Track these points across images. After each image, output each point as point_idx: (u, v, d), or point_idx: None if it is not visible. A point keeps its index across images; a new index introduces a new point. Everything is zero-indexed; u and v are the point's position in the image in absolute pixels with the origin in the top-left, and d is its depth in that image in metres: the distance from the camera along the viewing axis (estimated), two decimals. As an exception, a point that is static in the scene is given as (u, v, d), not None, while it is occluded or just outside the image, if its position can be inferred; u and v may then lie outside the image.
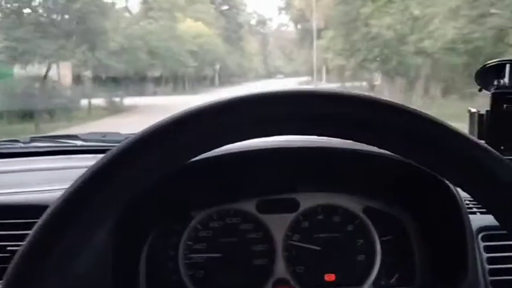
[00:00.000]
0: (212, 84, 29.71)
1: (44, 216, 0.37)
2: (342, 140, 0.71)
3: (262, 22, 42.11)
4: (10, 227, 0.87)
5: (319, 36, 29.98)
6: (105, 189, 0.37)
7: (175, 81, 23.92)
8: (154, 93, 24.29)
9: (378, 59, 15.00)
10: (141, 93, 24.53)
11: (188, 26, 22.72)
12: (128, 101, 16.02)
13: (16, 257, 0.36)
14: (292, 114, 0.39)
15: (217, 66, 27.66)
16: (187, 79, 25.25)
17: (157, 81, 24.14)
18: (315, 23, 26.36)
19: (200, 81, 28.70)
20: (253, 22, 40.08)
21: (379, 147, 0.40)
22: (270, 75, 38.45)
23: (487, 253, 0.87)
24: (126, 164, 0.38)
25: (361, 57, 16.68)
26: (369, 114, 0.39)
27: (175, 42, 19.41)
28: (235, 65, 31.79)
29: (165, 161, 0.39)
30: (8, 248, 0.85)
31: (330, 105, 0.39)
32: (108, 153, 0.38)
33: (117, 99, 15.30)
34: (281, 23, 45.31)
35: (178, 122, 0.39)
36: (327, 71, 28.50)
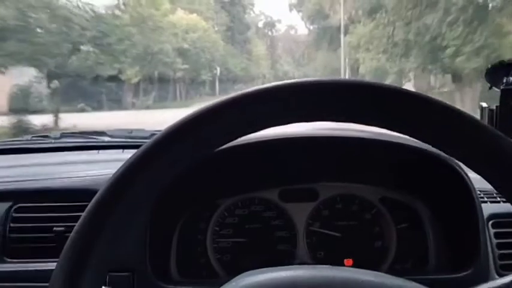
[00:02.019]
0: (212, 91, 22.25)
1: (95, 198, 0.42)
2: (359, 131, 0.91)
3: (270, 24, 38.70)
4: (54, 210, 0.94)
5: (337, 35, 22.22)
6: (149, 173, 0.42)
7: (161, 89, 16.50)
8: (133, 106, 16.55)
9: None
10: (114, 106, 16.46)
11: (179, 18, 15.51)
12: (77, 119, 10.67)
13: (72, 234, 0.42)
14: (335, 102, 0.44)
15: (218, 70, 20.34)
16: (179, 86, 17.84)
17: (136, 89, 16.46)
18: (342, 14, 19.10)
19: (197, 88, 21.25)
20: (260, 25, 37.00)
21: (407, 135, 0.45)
22: (278, 81, 32.87)
23: (496, 239, 0.93)
24: (165, 150, 0.42)
25: (450, 50, 9.28)
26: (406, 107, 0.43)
27: (153, 35, 12.28)
28: (239, 70, 27.39)
29: (201, 146, 0.44)
30: (54, 229, 0.91)
31: (352, 93, 0.43)
32: (149, 141, 0.43)
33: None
34: (290, 25, 42.54)
35: (213, 111, 0.43)
36: (353, 75, 21.07)
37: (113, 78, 15.11)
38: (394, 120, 0.44)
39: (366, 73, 19.07)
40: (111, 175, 0.43)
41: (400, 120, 0.44)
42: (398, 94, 0.43)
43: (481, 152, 0.43)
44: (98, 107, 16.72)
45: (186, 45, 17.86)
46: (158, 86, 18.34)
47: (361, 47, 19.39)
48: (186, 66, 17.60)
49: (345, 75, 22.56)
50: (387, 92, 0.43)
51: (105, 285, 0.52)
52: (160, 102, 18.04)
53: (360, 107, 0.44)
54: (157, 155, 0.43)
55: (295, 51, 38.44)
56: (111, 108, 16.82)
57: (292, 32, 40.38)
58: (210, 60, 20.41)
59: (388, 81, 15.89)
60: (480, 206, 0.89)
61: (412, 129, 0.44)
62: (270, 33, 38.46)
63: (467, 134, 0.43)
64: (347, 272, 0.49)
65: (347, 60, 24.68)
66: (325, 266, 0.50)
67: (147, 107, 16.46)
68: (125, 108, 16.76)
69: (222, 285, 0.49)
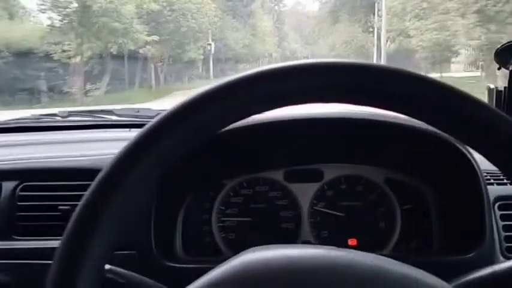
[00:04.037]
0: (206, 73, 15.49)
1: (100, 176, 0.42)
2: (365, 112, 0.90)
3: (276, -2, 34.24)
4: (60, 189, 0.96)
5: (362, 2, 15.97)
6: (154, 151, 0.42)
7: (127, 72, 9.51)
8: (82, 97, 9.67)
9: None
10: (60, 98, 7.89)
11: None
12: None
13: (76, 212, 0.41)
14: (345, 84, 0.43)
15: (212, 46, 13.42)
16: (155, 66, 10.91)
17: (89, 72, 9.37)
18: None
19: (182, 69, 14.58)
20: (266, -2, 32.08)
21: (408, 115, 0.45)
22: (285, 60, 27.54)
23: (503, 221, 0.93)
24: (170, 129, 0.42)
25: None
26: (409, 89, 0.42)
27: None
28: (242, 46, 21.40)
29: (206, 126, 0.43)
30: (60, 208, 0.93)
31: (364, 75, 0.43)
32: (154, 120, 0.42)
33: None
34: (298, 0, 39.16)
35: (221, 90, 0.42)
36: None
37: (48, 58, 9.08)
38: (394, 101, 0.43)
39: (419, 49, 12.50)
40: None
41: (400, 101, 0.43)
42: (396, 74, 0.42)
43: (484, 134, 0.42)
44: (32, 100, 10.62)
45: (156, 6, 11.43)
46: (122, 67, 12.02)
47: (408, 14, 12.94)
48: (155, 37, 11.21)
49: (381, 52, 16.08)
50: (385, 72, 0.42)
51: (109, 264, 0.56)
52: (123, 90, 11.71)
53: (361, 89, 0.43)
54: (162, 134, 0.42)
55: (304, 28, 34.71)
56: (51, 102, 10.80)
57: (300, 7, 37.47)
58: (196, 31, 13.91)
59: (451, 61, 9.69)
60: (486, 188, 0.90)
61: (412, 110, 0.44)
62: (276, 7, 34.38)
63: (469, 115, 0.42)
64: (350, 254, 0.48)
65: (377, 31, 18.19)
66: (328, 246, 0.50)
67: (96, 100, 10.11)
68: (74, 101, 10.58)
69: (233, 257, 0.49)
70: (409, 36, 13.24)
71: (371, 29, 22.77)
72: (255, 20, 25.70)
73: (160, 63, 13.67)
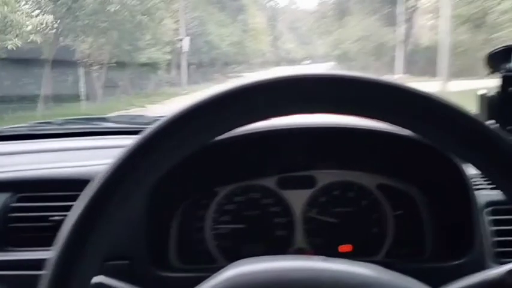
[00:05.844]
0: (178, 80, 8.81)
1: (92, 185, 0.41)
2: (358, 120, 0.82)
3: (270, -5, 32.06)
4: (52, 199, 0.96)
5: None
6: (148, 160, 0.42)
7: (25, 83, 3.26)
8: None
9: None
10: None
11: None
12: None
13: (67, 222, 0.41)
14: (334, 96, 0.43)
15: (185, 41, 7.07)
16: (84, 73, 4.81)
17: None
18: None
19: (149, 76, 8.02)
20: (259, -5, 29.76)
21: (395, 125, 0.45)
22: (279, 61, 27.80)
23: (493, 226, 0.94)
24: (167, 137, 0.42)
25: None
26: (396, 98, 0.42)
27: None
28: (229, 44, 17.08)
29: (203, 134, 0.43)
30: (50, 218, 0.92)
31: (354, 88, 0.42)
32: (151, 128, 0.42)
33: None
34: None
35: (217, 100, 0.42)
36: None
37: None
38: (386, 113, 0.43)
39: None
40: None
41: (392, 113, 0.42)
42: (388, 88, 0.41)
43: (476, 148, 0.41)
44: None
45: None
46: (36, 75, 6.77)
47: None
48: (46, 18, 5.72)
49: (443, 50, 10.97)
50: (380, 86, 0.41)
51: (101, 274, 0.54)
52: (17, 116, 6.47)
53: (359, 102, 0.42)
54: (158, 141, 0.41)
55: (300, 26, 31.72)
56: None
57: (294, 6, 36.51)
58: (137, 13, 8.57)
59: None
60: (473, 193, 0.90)
61: (401, 121, 0.43)
62: (268, 4, 31.58)
63: (461, 130, 0.41)
64: (339, 264, 0.47)
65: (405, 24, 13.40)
66: (318, 256, 0.49)
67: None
68: None
69: (219, 270, 0.49)
70: (481, 25, 8.43)
71: (386, 24, 18.07)
72: (246, 16, 22.84)
73: (98, 67, 8.63)
